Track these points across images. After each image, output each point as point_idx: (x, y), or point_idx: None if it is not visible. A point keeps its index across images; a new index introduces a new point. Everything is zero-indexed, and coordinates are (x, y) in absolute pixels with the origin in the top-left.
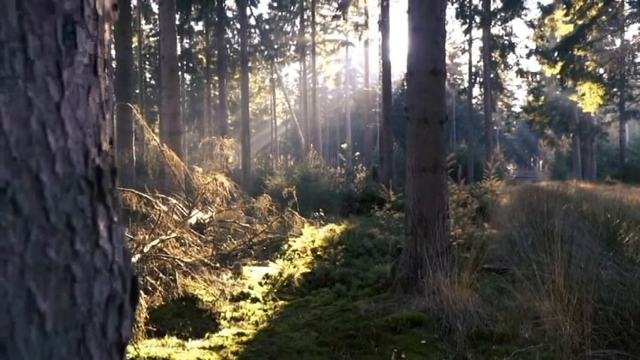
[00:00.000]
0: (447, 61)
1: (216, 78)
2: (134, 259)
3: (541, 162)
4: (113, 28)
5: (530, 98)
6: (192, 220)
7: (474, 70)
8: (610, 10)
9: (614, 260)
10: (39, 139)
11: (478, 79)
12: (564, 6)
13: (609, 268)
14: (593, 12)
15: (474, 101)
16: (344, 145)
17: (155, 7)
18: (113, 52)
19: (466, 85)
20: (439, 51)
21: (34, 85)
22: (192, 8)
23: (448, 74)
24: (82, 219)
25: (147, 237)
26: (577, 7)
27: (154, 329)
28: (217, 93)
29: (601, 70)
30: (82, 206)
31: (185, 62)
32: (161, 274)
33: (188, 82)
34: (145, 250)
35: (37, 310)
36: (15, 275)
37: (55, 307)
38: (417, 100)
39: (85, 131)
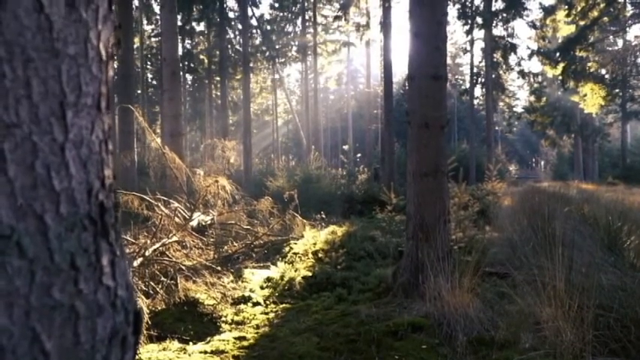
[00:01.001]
0: (449, 61)
1: (217, 78)
2: (136, 263)
3: (543, 162)
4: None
5: (532, 99)
6: (194, 223)
7: (475, 70)
8: (612, 10)
9: (615, 265)
10: (44, 182)
11: (480, 79)
12: (566, 7)
13: (610, 273)
14: (595, 13)
15: (475, 102)
16: (345, 147)
17: (157, 8)
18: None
19: (468, 85)
20: (440, 56)
21: (38, 129)
22: (194, 9)
23: (450, 75)
24: (86, 257)
25: (149, 242)
26: (579, 8)
27: (156, 334)
28: (219, 93)
29: (603, 71)
30: (85, 245)
31: (186, 63)
32: (162, 278)
33: (190, 83)
34: (147, 253)
35: (42, 349)
36: (20, 317)
37: (59, 346)
38: (417, 105)
39: (88, 169)
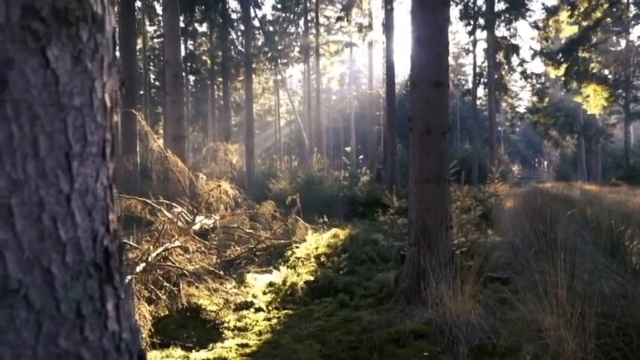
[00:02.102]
0: (451, 61)
1: (220, 79)
2: (138, 269)
3: (545, 163)
4: (117, 29)
5: (535, 99)
6: (196, 227)
7: (478, 71)
8: (615, 11)
9: (617, 272)
10: (50, 234)
11: (482, 79)
12: (569, 7)
13: (612, 280)
14: (598, 14)
15: (478, 102)
16: (348, 149)
17: (159, 9)
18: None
19: (470, 86)
20: (442, 62)
21: (45, 182)
22: (196, 10)
23: (452, 75)
24: (91, 304)
25: (151, 247)
26: (582, 9)
27: (159, 341)
28: (221, 94)
29: (606, 72)
30: (90, 292)
31: (189, 64)
32: (165, 283)
33: (192, 84)
34: (150, 259)
35: None
36: None
37: None
38: (419, 111)
39: (93, 217)
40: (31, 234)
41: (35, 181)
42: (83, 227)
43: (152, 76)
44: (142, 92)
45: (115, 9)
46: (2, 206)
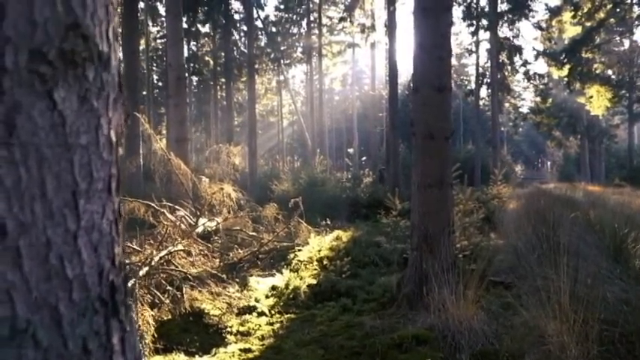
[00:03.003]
0: (454, 62)
1: (222, 80)
2: (142, 273)
3: (549, 163)
4: (120, 31)
5: (538, 100)
6: (199, 229)
7: (481, 71)
8: (619, 11)
9: (620, 277)
10: (57, 272)
11: (485, 80)
12: (572, 8)
13: (615, 285)
14: (602, 14)
15: (481, 102)
16: (350, 150)
17: (162, 9)
18: (120, 56)
19: (473, 86)
20: (444, 67)
21: (52, 222)
22: (199, 11)
23: (455, 75)
24: (97, 339)
25: (154, 251)
26: (585, 10)
27: (162, 346)
28: (224, 95)
29: (609, 72)
30: (97, 327)
31: (192, 65)
32: (168, 287)
33: (195, 84)
34: (153, 263)
35: None
36: None
37: None
38: (422, 116)
39: (99, 252)
40: (38, 274)
41: (43, 222)
42: (89, 263)
43: (155, 77)
44: (144, 93)
45: (119, 10)
46: (11, 249)
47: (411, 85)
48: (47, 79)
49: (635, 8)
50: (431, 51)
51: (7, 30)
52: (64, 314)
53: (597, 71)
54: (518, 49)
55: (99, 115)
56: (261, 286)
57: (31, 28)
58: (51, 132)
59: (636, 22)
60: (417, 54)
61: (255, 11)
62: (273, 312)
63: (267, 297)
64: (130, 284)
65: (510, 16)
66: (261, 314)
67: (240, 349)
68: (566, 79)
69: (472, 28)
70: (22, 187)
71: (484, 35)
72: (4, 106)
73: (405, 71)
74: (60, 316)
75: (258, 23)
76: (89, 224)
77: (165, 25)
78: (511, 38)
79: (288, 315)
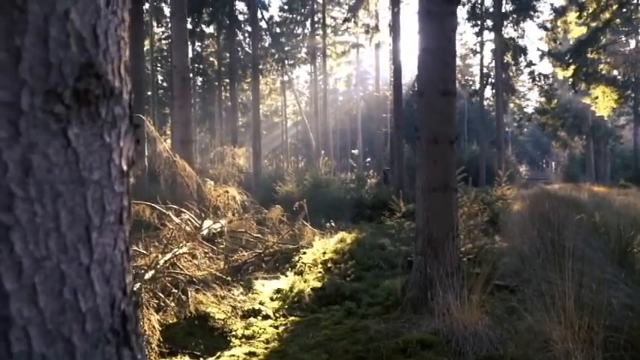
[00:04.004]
0: (459, 62)
1: (227, 81)
2: (147, 276)
3: (554, 164)
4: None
5: (543, 100)
6: (204, 232)
7: (485, 71)
8: (624, 11)
9: (625, 282)
10: (71, 306)
11: (490, 80)
12: (577, 8)
13: (620, 290)
14: (607, 14)
15: (485, 102)
16: (355, 151)
17: (167, 10)
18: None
19: (477, 86)
20: (449, 71)
21: (66, 257)
22: (204, 12)
23: (459, 75)
24: None
25: (159, 255)
26: (590, 10)
27: (167, 350)
28: (228, 95)
29: (615, 72)
30: (109, 357)
31: (196, 65)
32: (174, 289)
33: (199, 85)
34: (158, 266)
35: None
36: None
37: None
38: (426, 121)
39: (111, 283)
40: (53, 308)
41: (57, 257)
42: (102, 295)
43: (160, 77)
44: (149, 93)
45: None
46: (27, 286)
47: (416, 86)
48: (61, 118)
49: None
50: (436, 55)
51: (22, 73)
52: (78, 346)
53: (603, 72)
54: (523, 50)
55: (111, 150)
56: (265, 288)
57: (46, 70)
58: (65, 168)
59: None
60: (421, 58)
61: (259, 12)
62: (277, 315)
63: (271, 300)
64: (135, 288)
65: (515, 16)
66: (265, 317)
67: (245, 353)
68: (571, 79)
69: (477, 29)
70: (37, 223)
71: (489, 36)
72: (21, 147)
73: (410, 72)
74: (73, 349)
75: (263, 24)
76: (101, 257)
77: (169, 25)
78: (516, 39)
79: (293, 318)
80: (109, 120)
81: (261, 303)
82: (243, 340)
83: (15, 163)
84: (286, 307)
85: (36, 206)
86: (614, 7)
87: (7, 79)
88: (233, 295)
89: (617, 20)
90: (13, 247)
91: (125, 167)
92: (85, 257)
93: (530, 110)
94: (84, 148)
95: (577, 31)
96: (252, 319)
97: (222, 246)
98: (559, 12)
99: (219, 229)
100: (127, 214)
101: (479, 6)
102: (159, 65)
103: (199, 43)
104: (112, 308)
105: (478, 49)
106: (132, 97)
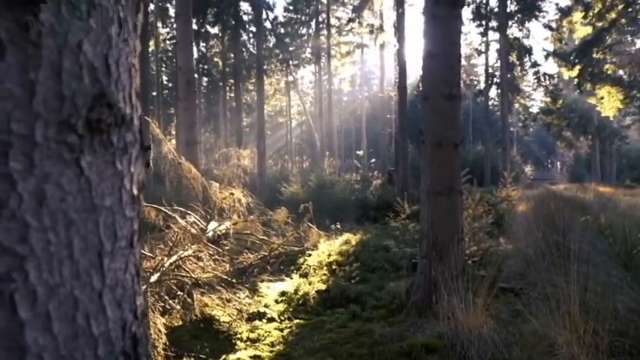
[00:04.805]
0: (463, 62)
1: (231, 81)
2: (153, 279)
3: (559, 164)
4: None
5: (548, 100)
6: (210, 234)
7: (490, 71)
8: (630, 11)
9: (631, 285)
10: (84, 331)
11: (495, 80)
12: (583, 8)
13: (626, 294)
14: (613, 14)
15: (490, 103)
16: (360, 152)
17: (172, 11)
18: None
19: (482, 86)
20: (454, 75)
21: (79, 283)
22: (209, 12)
23: (464, 75)
24: None
25: (165, 258)
26: (596, 10)
27: (173, 354)
28: (233, 96)
29: (620, 72)
30: None
31: (201, 66)
32: (179, 292)
33: (204, 85)
34: (163, 269)
35: None
36: None
37: None
38: (431, 124)
39: (123, 307)
40: (66, 333)
41: (70, 283)
42: (113, 319)
43: (164, 78)
44: (154, 94)
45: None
46: (41, 314)
47: (420, 87)
48: (74, 148)
49: None
50: (440, 59)
51: (36, 106)
52: None
53: (608, 72)
54: (528, 50)
55: (122, 176)
56: (270, 291)
57: (60, 102)
58: (78, 197)
59: None
60: (426, 62)
61: (264, 12)
62: (282, 318)
63: (276, 302)
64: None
65: (520, 16)
66: (270, 320)
67: (250, 356)
68: (576, 79)
69: (481, 29)
70: (52, 251)
71: (494, 36)
72: (35, 178)
73: (415, 72)
74: None
75: (267, 24)
76: (113, 282)
77: (175, 27)
78: (521, 39)
79: (298, 321)
80: (120, 147)
81: (266, 306)
82: (249, 343)
83: (29, 194)
84: (291, 309)
85: (50, 235)
86: (620, 6)
87: (22, 113)
88: (238, 297)
89: (623, 20)
90: (28, 276)
91: (136, 192)
92: (97, 282)
93: (535, 110)
94: (96, 176)
95: (582, 31)
96: (257, 322)
97: (227, 248)
98: (564, 12)
99: (224, 231)
100: (138, 237)
101: (484, 6)
102: (164, 66)
103: (204, 44)
104: (123, 331)
105: (483, 50)
106: (142, 121)
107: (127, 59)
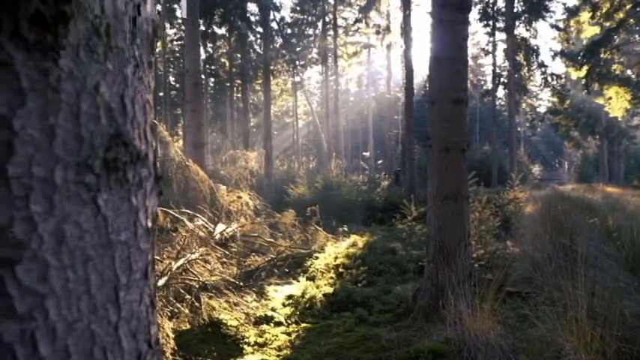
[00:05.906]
0: (470, 62)
1: (238, 82)
2: (161, 282)
3: (567, 164)
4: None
5: (556, 100)
6: (217, 236)
7: (497, 71)
8: (638, 11)
9: (638, 291)
10: None
11: (502, 80)
12: (590, 8)
13: (633, 300)
14: (621, 14)
15: (497, 103)
16: (366, 153)
17: (179, 12)
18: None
19: (490, 86)
20: (461, 80)
21: (96, 317)
22: (216, 13)
23: (471, 75)
24: None
25: (172, 262)
26: (604, 10)
27: (181, 358)
28: (240, 96)
29: (629, 72)
30: None
31: (208, 67)
32: (187, 295)
33: (211, 85)
34: (171, 272)
35: None
36: None
37: None
38: (438, 129)
39: (137, 338)
40: None
41: (87, 318)
42: (129, 350)
43: (172, 79)
44: (161, 94)
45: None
46: (60, 350)
47: (427, 87)
48: (92, 188)
49: None
50: (447, 63)
51: (56, 149)
52: None
53: (616, 72)
54: (535, 50)
55: (137, 210)
56: (278, 294)
57: (78, 144)
58: (95, 234)
59: None
60: (433, 66)
61: (271, 13)
62: (289, 322)
63: (283, 306)
64: None
65: (527, 16)
66: (278, 324)
67: None
68: (584, 80)
69: (489, 29)
70: (70, 288)
71: (501, 36)
72: (55, 219)
73: (422, 72)
74: None
75: (274, 25)
76: (128, 314)
77: (182, 28)
78: (528, 39)
79: (305, 325)
80: (135, 182)
81: (273, 309)
82: (256, 347)
83: (49, 234)
84: (298, 313)
85: (69, 273)
86: (628, 6)
87: (42, 156)
88: (246, 301)
89: (631, 20)
90: (48, 313)
91: (150, 224)
92: (113, 315)
93: (542, 110)
94: (112, 212)
95: (590, 31)
96: (264, 326)
97: (234, 250)
98: (572, 12)
99: (231, 234)
100: (152, 267)
101: (491, 6)
102: (171, 66)
103: (211, 45)
104: None
105: (490, 50)
106: (157, 157)
107: (142, 97)
